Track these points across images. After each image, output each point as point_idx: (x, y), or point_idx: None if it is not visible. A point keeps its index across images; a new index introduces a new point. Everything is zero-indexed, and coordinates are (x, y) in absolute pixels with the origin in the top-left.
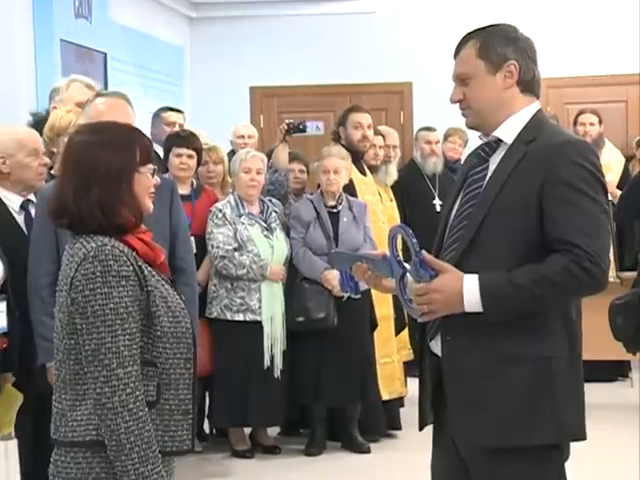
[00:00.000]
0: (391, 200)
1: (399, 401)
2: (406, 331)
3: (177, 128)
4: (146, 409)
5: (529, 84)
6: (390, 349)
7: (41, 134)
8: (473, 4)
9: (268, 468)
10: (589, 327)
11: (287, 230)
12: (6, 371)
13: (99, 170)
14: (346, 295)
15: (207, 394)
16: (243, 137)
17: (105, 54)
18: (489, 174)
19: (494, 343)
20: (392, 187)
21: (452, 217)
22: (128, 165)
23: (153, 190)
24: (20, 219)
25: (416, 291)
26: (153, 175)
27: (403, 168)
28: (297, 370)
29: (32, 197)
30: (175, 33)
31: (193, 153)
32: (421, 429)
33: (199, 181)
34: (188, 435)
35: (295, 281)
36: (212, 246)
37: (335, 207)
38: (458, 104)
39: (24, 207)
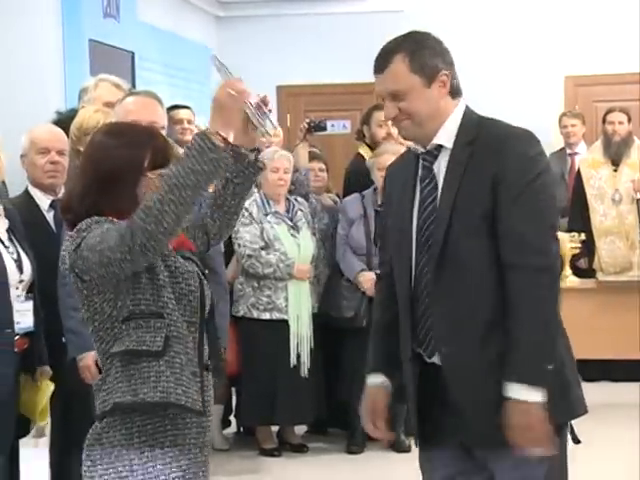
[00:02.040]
0: None
1: None
2: None
3: (186, 125)
4: None
5: (457, 89)
6: None
7: (67, 132)
8: (500, 6)
9: (295, 466)
10: (611, 326)
11: (313, 229)
12: (26, 372)
13: (104, 171)
14: None
15: (234, 392)
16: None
17: (133, 53)
18: (440, 182)
19: (488, 346)
20: None
21: (415, 234)
22: (135, 169)
23: None
24: (50, 217)
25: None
26: None
27: None
28: (336, 369)
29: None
30: (202, 32)
31: None
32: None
33: None
34: (199, 397)
35: (336, 276)
36: (239, 245)
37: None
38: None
39: (53, 206)
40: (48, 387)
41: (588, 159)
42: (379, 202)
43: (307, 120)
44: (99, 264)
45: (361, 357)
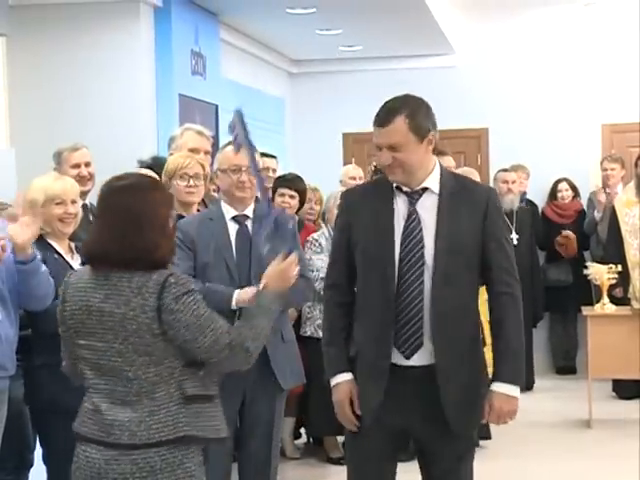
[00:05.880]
0: None
1: None
2: (489, 350)
3: (271, 173)
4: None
5: (437, 146)
6: None
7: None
8: (542, 62)
9: None
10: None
11: None
12: None
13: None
14: None
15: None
16: (355, 178)
17: (217, 106)
18: (426, 219)
19: (473, 355)
20: None
21: (399, 254)
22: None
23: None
24: None
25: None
26: None
27: None
28: None
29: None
30: (277, 87)
31: (295, 194)
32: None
33: (301, 218)
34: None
35: None
36: (312, 271)
37: None
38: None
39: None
40: None
41: (622, 199)
42: None
43: (374, 163)
44: (208, 347)
45: None
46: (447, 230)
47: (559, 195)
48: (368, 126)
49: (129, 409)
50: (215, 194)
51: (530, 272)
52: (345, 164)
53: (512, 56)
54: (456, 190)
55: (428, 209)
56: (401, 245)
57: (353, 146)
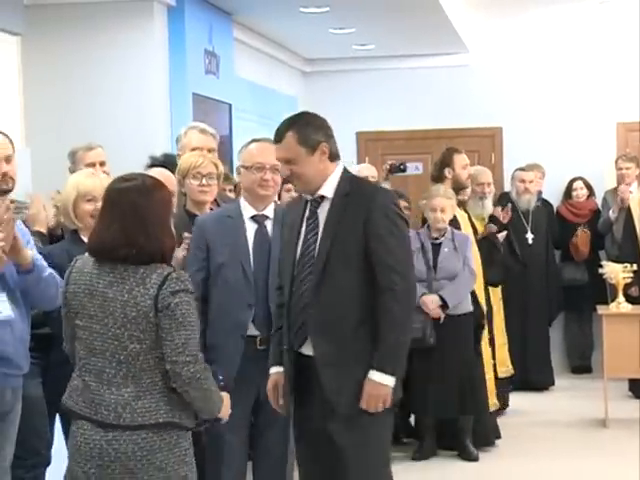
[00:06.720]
0: None
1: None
2: (505, 349)
3: None
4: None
5: (335, 154)
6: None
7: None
8: (556, 60)
9: None
10: None
11: None
12: None
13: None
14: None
15: None
16: (368, 177)
17: (230, 105)
18: (321, 222)
19: (353, 343)
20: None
21: (298, 256)
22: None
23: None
24: None
25: None
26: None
27: (495, 203)
28: (407, 384)
29: None
30: (291, 85)
31: None
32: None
33: None
34: None
35: None
36: None
37: (437, 238)
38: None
39: None
40: None
41: (637, 198)
42: (434, 236)
43: (389, 162)
44: (175, 347)
45: (430, 374)
46: (331, 232)
47: (574, 194)
48: (382, 125)
49: (115, 390)
50: (230, 194)
51: (545, 271)
52: (359, 163)
53: (526, 54)
54: (347, 194)
55: (325, 214)
56: (301, 248)
57: (367, 145)
